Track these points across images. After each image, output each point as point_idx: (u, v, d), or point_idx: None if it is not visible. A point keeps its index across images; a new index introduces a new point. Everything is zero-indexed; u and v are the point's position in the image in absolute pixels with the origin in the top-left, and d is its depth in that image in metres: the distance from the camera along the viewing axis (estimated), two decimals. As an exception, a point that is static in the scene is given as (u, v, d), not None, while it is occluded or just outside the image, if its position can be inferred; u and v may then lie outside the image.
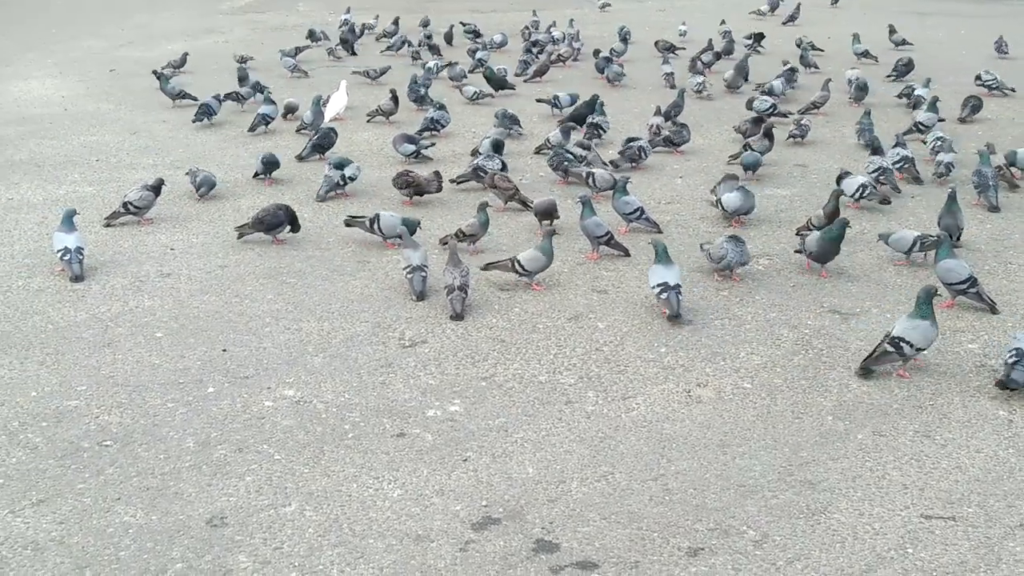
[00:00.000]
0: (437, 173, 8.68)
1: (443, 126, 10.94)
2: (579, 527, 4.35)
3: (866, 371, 5.67)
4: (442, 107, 11.14)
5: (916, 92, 12.14)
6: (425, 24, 17.79)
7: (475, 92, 12.64)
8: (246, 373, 5.73)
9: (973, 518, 4.40)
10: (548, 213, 7.90)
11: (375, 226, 7.55)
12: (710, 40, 15.40)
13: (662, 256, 6.50)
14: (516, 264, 6.79)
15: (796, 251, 7.30)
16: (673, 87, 13.10)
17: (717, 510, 4.47)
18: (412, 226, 7.29)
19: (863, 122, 10.66)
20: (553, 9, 20.09)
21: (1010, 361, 5.44)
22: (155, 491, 4.61)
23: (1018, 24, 19.84)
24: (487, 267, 6.90)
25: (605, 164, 9.30)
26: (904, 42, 16.16)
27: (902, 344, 5.58)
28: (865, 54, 14.82)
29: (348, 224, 7.72)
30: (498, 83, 12.99)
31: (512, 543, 4.25)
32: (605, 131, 10.63)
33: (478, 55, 14.34)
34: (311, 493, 4.59)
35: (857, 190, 8.32)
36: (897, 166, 9.22)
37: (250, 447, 4.97)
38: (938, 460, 4.85)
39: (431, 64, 13.88)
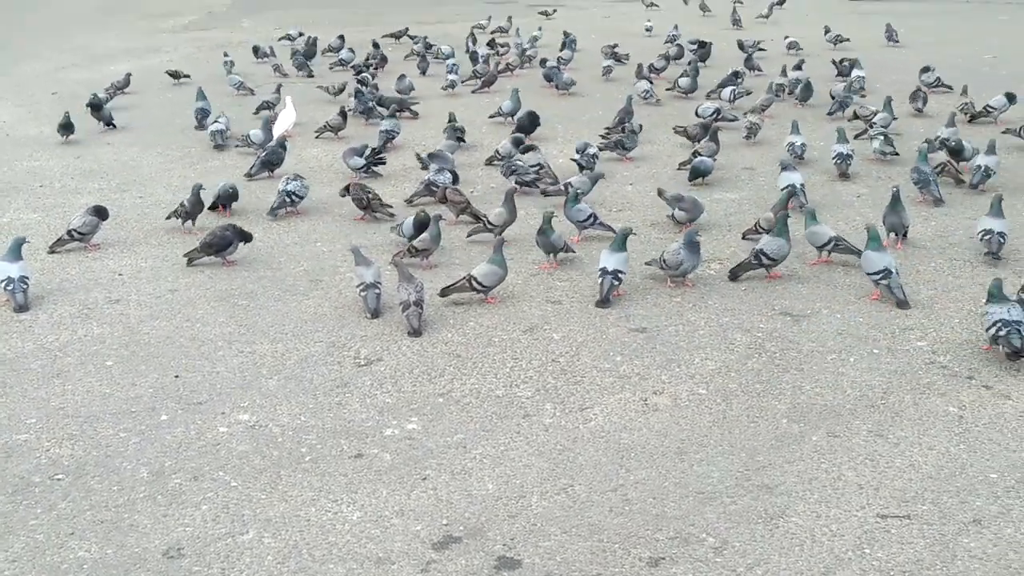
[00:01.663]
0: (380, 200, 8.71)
1: (397, 134, 10.99)
2: (540, 542, 4.35)
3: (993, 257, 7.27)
4: (393, 115, 11.23)
5: (854, 73, 13.28)
6: (398, 36, 18.05)
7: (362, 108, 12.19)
8: (199, 399, 5.66)
9: (928, 515, 4.47)
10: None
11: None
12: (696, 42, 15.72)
13: (616, 243, 6.86)
14: (473, 282, 6.78)
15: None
16: (608, 72, 14.25)
17: (677, 518, 4.50)
18: (424, 222, 7.60)
19: (840, 93, 11.88)
20: (502, 19, 20.12)
21: (1002, 333, 5.72)
22: (109, 524, 4.54)
23: (956, 20, 20.26)
24: (444, 293, 6.86)
25: (555, 176, 9.32)
26: (839, 39, 16.62)
27: None
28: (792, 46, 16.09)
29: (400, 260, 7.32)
30: (392, 107, 12.14)
31: (474, 561, 4.24)
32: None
33: (450, 77, 14.08)
34: (269, 519, 4.55)
35: (787, 187, 8.40)
36: (835, 162, 9.54)
37: (205, 475, 4.91)
38: (892, 459, 4.92)
39: (367, 75, 13.86)
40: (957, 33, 18.71)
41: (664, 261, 6.98)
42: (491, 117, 12.02)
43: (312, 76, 15.24)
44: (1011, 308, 5.81)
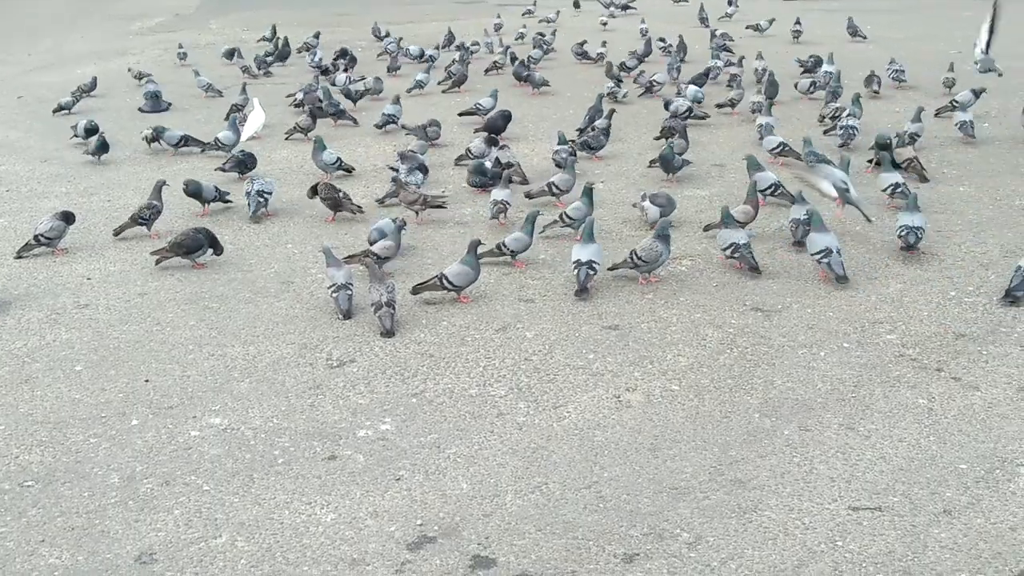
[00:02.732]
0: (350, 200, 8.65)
1: (398, 118, 11.51)
2: (515, 540, 4.35)
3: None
4: (396, 101, 11.71)
5: (822, 69, 13.40)
6: (382, 36, 18.09)
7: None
8: (170, 403, 5.61)
9: (899, 507, 4.50)
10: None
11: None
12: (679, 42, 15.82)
13: (586, 235, 6.96)
14: (444, 281, 6.77)
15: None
16: (602, 58, 15.08)
17: (651, 514, 4.51)
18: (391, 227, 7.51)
19: (832, 84, 12.17)
20: (470, 18, 20.12)
21: (824, 260, 6.85)
22: (80, 531, 4.49)
23: (920, 16, 20.43)
24: (416, 290, 6.85)
25: (524, 175, 9.34)
26: (798, 33, 17.34)
27: None
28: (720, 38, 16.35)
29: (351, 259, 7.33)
30: (332, 113, 12.11)
31: (449, 561, 4.23)
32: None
33: (417, 77, 13.98)
34: (242, 523, 4.52)
35: (769, 187, 8.47)
36: (775, 151, 9.69)
37: (177, 479, 4.87)
38: (863, 452, 4.95)
39: (340, 77, 14.01)
40: (922, 29, 18.87)
41: (640, 258, 6.96)
42: (461, 115, 11.95)
43: (269, 75, 15.23)
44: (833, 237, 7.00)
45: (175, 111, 13.11)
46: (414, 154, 9.48)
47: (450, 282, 6.75)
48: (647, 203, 8.09)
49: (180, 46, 17.18)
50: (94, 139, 10.82)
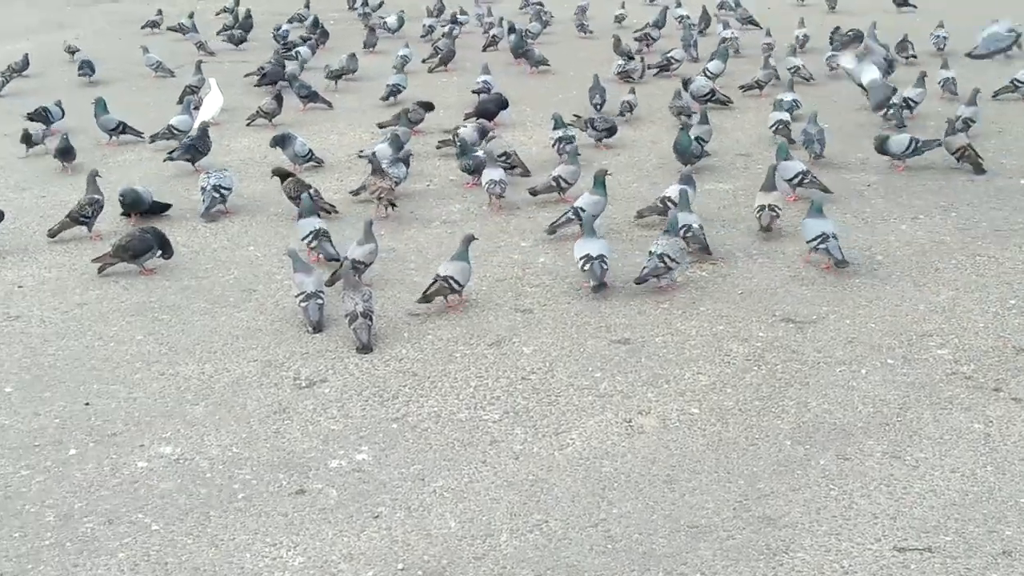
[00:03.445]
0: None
1: (404, 88, 12.31)
2: (511, 587, 4.37)
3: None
4: (401, 69, 12.66)
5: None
6: (355, 5, 18.76)
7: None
8: (114, 429, 5.62)
9: (951, 548, 4.51)
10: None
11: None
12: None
13: (587, 231, 7.21)
14: (452, 282, 6.78)
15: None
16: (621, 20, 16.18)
17: (667, 556, 4.52)
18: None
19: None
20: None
21: (822, 246, 7.19)
22: (10, 577, 4.51)
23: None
24: (425, 299, 6.83)
25: (523, 165, 9.38)
26: (836, 3, 17.94)
27: None
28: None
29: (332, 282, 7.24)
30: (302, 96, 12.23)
31: (434, 611, 4.24)
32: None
33: (400, 53, 13.95)
34: (197, 568, 4.52)
35: (796, 176, 8.52)
36: (772, 128, 10.15)
37: (122, 517, 4.88)
38: (910, 484, 4.97)
39: (303, 50, 14.34)
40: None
41: (672, 259, 6.94)
42: (475, 92, 11.98)
43: (213, 54, 15.24)
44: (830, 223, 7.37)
45: (119, 93, 13.09)
46: (397, 141, 9.46)
47: (456, 282, 6.78)
48: (674, 185, 8.13)
49: (159, 12, 17.76)
50: (59, 135, 10.42)
